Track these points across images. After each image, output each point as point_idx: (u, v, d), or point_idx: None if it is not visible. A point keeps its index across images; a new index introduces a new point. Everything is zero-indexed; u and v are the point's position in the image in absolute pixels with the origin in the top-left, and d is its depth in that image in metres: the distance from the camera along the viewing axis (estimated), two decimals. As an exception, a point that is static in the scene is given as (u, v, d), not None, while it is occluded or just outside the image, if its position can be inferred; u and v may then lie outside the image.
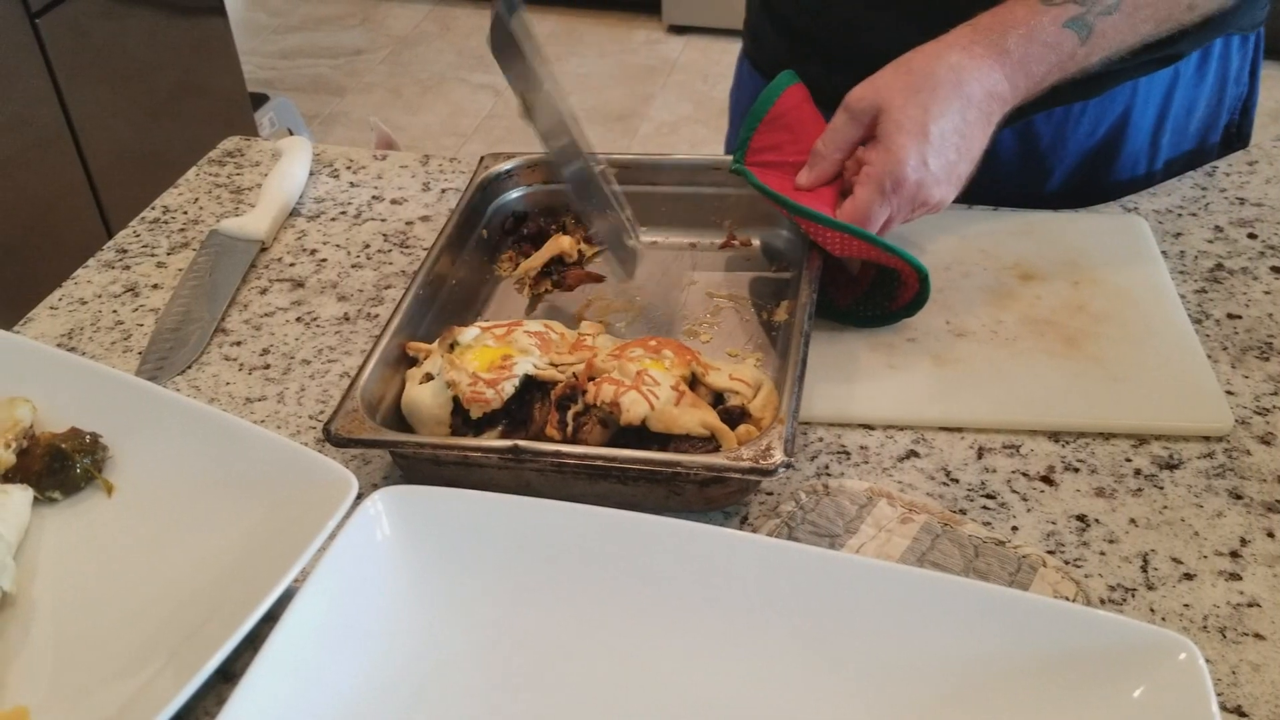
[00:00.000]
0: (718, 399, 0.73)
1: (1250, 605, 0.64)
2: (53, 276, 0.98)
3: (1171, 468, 0.73)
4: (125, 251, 0.99)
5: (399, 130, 2.91)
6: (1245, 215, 0.96)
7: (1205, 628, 0.63)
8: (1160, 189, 0.99)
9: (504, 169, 0.94)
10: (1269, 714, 0.59)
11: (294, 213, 1.03)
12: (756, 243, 0.93)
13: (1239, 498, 0.71)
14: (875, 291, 0.83)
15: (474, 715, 0.59)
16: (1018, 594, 0.60)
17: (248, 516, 0.67)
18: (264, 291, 0.93)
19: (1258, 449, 0.74)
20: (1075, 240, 0.91)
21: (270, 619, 0.58)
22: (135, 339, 0.89)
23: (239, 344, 0.88)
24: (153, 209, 1.05)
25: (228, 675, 0.61)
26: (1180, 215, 0.96)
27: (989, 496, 0.72)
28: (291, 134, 2.30)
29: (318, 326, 0.89)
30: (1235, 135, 1.07)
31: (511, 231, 0.95)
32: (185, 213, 1.04)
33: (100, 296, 0.94)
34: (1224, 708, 0.59)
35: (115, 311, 0.92)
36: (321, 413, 0.81)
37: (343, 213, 1.03)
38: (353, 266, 0.96)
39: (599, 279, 0.89)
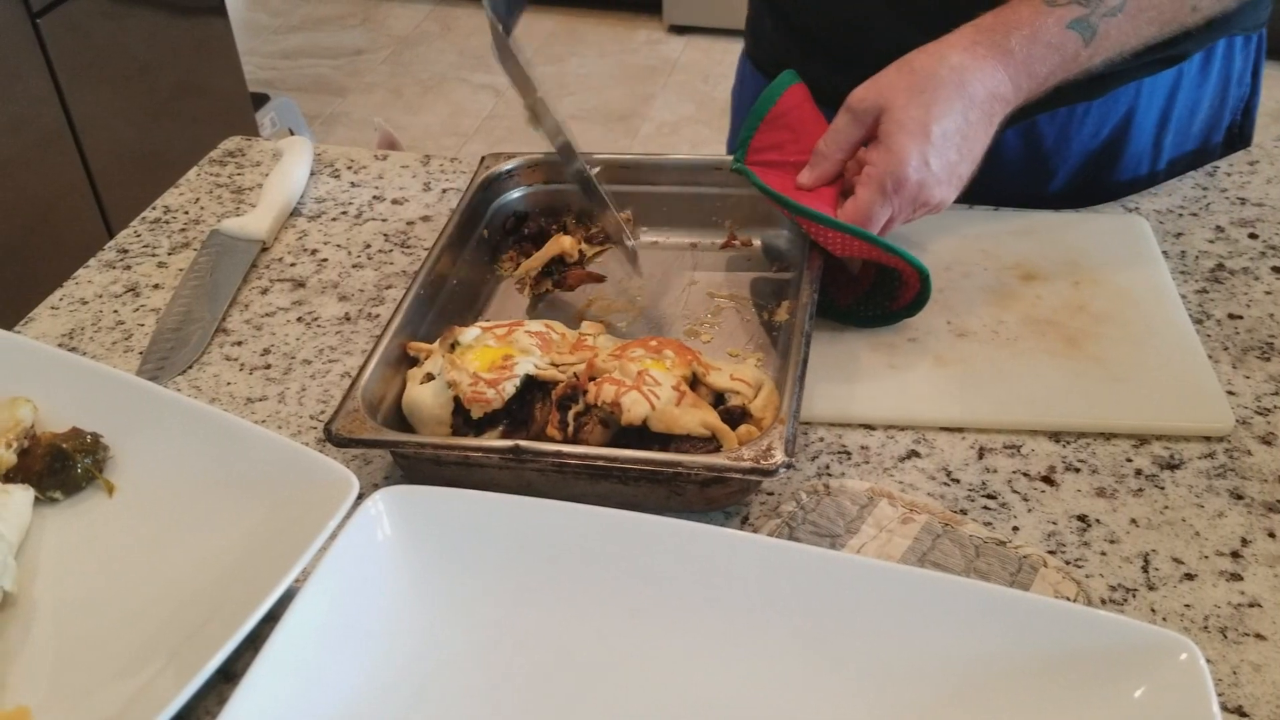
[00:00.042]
0: (718, 399, 0.73)
1: (1251, 605, 0.64)
2: (53, 276, 0.98)
3: (1172, 468, 0.73)
4: (126, 251, 0.99)
5: (400, 130, 2.90)
6: (1246, 215, 0.96)
7: (1206, 628, 0.63)
8: (1161, 189, 0.99)
9: (505, 169, 0.94)
10: (1270, 714, 0.59)
11: (295, 213, 1.03)
12: (757, 243, 0.93)
13: (1240, 498, 0.71)
14: (876, 291, 0.83)
15: (475, 715, 0.59)
16: (1019, 594, 0.60)
17: (249, 516, 0.67)
18: (265, 291, 0.94)
19: (1259, 449, 0.74)
20: (1076, 240, 0.91)
21: (271, 619, 0.58)
22: (136, 339, 0.89)
23: (240, 344, 0.88)
24: (154, 209, 1.05)
25: (229, 675, 0.61)
26: (1181, 215, 0.96)
27: (990, 496, 0.72)
28: (292, 134, 2.30)
29: (319, 326, 0.89)
30: (1238, 136, 1.07)
31: (512, 231, 0.94)
32: (186, 213, 1.04)
33: (101, 296, 0.94)
34: (1225, 708, 0.59)
35: (116, 311, 0.92)
36: (322, 413, 0.81)
37: (344, 213, 1.03)
38: (354, 266, 0.96)
39: (600, 279, 0.89)
